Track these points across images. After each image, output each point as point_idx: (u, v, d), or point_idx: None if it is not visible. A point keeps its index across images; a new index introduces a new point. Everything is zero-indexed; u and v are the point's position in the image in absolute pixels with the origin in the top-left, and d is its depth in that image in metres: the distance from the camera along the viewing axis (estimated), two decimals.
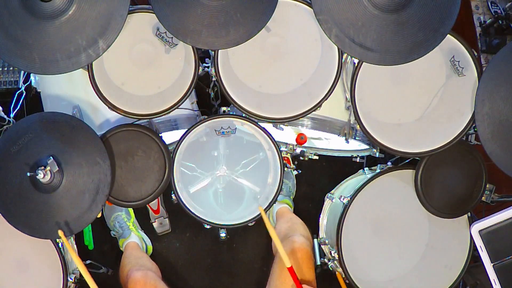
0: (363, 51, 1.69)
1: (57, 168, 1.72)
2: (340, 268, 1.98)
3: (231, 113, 1.98)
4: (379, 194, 1.99)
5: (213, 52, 1.83)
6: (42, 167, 1.69)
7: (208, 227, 2.03)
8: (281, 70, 1.90)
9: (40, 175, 1.69)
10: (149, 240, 2.40)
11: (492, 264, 1.80)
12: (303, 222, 2.13)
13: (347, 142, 2.02)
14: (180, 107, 1.87)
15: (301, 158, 2.30)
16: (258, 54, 1.87)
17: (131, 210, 2.38)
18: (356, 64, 1.78)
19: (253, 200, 2.06)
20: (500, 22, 2.28)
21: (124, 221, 2.33)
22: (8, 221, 1.75)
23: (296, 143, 2.14)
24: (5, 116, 2.08)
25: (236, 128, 1.99)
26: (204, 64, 1.90)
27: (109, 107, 1.83)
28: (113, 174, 1.83)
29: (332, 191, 2.22)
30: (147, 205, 2.39)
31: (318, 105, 1.86)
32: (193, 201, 2.02)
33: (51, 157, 1.72)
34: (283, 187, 2.12)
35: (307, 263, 1.88)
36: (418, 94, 1.91)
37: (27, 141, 1.76)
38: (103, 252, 2.38)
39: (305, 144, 2.20)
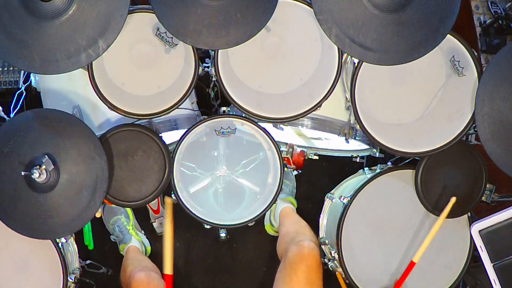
0: (363, 51, 1.69)
1: (53, 167, 1.67)
2: (340, 268, 1.98)
3: (231, 113, 1.98)
4: (379, 194, 1.99)
5: (213, 52, 1.83)
6: (37, 166, 1.65)
7: (208, 227, 2.03)
8: (281, 70, 1.90)
9: (35, 175, 1.64)
10: (147, 241, 2.40)
11: (492, 264, 1.80)
12: (308, 225, 2.11)
13: (347, 142, 2.02)
14: (180, 107, 1.87)
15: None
16: (258, 54, 1.87)
17: (130, 212, 2.37)
18: (356, 64, 1.78)
19: (253, 200, 2.06)
20: (500, 22, 2.27)
21: (123, 225, 2.32)
22: (6, 224, 1.73)
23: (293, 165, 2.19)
24: (5, 116, 2.07)
25: (236, 128, 1.99)
26: (204, 64, 1.90)
27: (109, 107, 1.83)
28: (110, 170, 1.82)
29: (332, 191, 2.22)
30: (147, 205, 2.39)
31: (318, 105, 1.86)
32: (193, 201, 2.02)
33: (46, 155, 1.68)
34: (284, 187, 2.12)
35: (316, 271, 1.81)
36: (418, 94, 1.91)
37: (20, 139, 1.71)
38: (103, 252, 2.37)
39: (305, 144, 2.20)
